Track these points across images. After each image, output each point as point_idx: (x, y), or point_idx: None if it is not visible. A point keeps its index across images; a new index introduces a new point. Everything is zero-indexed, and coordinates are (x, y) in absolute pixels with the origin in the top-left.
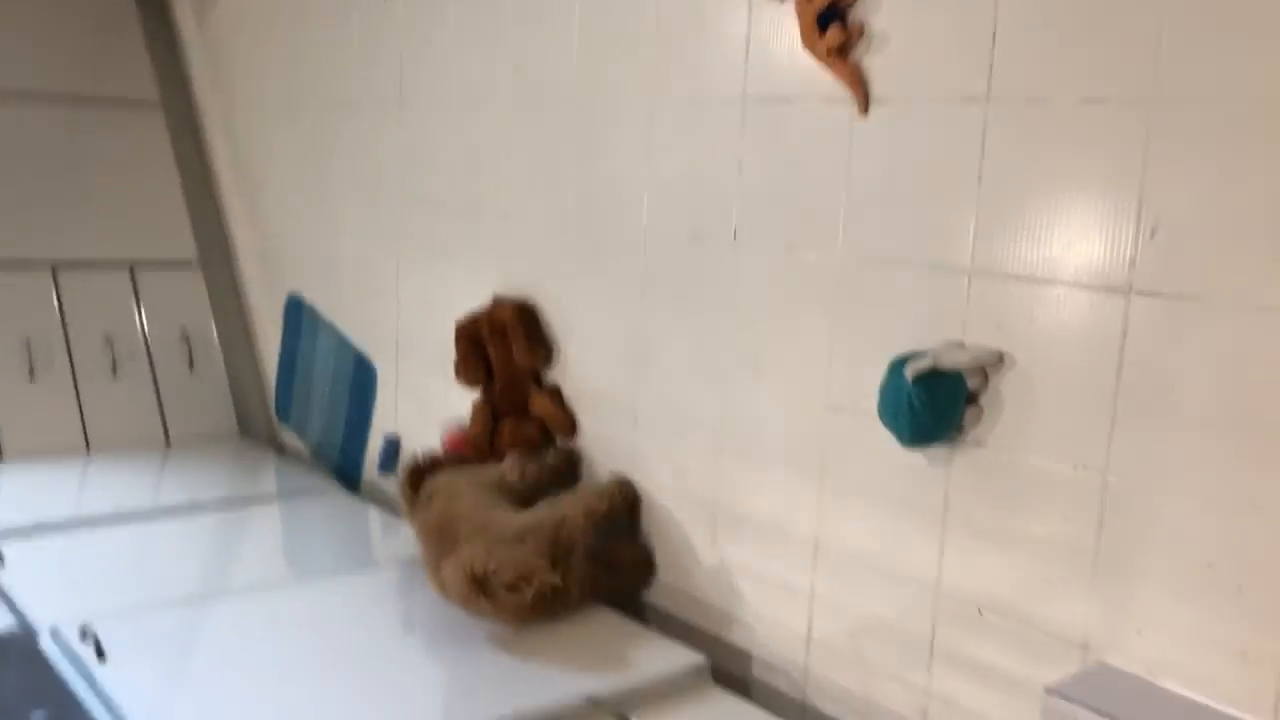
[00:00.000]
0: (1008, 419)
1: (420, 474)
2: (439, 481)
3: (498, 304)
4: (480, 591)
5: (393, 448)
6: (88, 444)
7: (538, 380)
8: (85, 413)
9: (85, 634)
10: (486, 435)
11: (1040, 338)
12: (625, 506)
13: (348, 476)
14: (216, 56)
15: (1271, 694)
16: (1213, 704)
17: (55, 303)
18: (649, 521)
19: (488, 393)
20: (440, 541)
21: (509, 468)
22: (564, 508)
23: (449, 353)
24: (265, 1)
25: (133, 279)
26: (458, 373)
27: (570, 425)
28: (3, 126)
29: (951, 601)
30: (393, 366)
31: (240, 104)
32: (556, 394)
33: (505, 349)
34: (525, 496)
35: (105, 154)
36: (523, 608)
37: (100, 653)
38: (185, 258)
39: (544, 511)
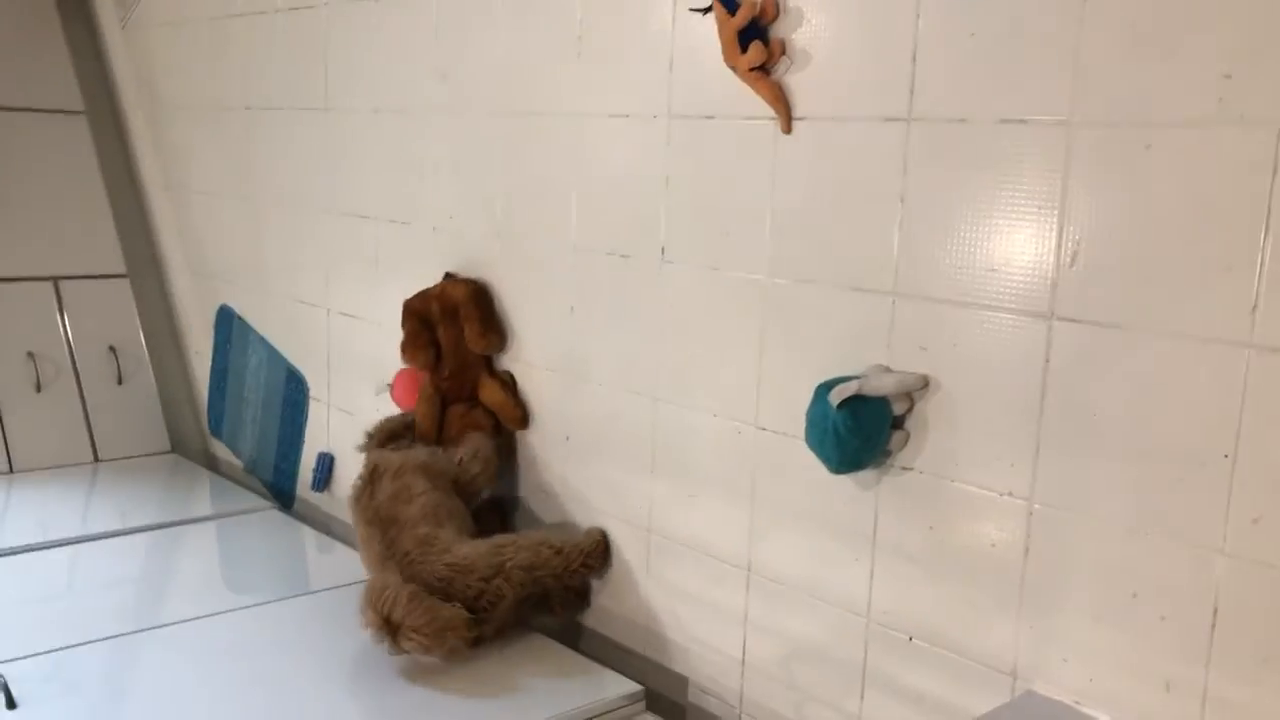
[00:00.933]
0: (934, 444)
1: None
2: (389, 461)
3: (450, 281)
4: (390, 635)
5: (326, 465)
6: (11, 465)
7: (490, 367)
8: (8, 432)
9: None
10: (434, 423)
11: (964, 362)
12: (589, 566)
13: (282, 493)
14: (140, 61)
15: None
16: None
17: None
18: None
19: (435, 377)
20: (382, 537)
21: (466, 458)
22: (508, 554)
23: (381, 366)
24: (187, 4)
25: (57, 293)
26: (403, 352)
27: (521, 418)
28: None
29: (882, 627)
30: (324, 381)
31: (165, 110)
32: (509, 382)
33: (456, 330)
34: (482, 500)
35: (28, 165)
36: (429, 655)
37: (10, 701)
38: (112, 270)
39: (486, 552)
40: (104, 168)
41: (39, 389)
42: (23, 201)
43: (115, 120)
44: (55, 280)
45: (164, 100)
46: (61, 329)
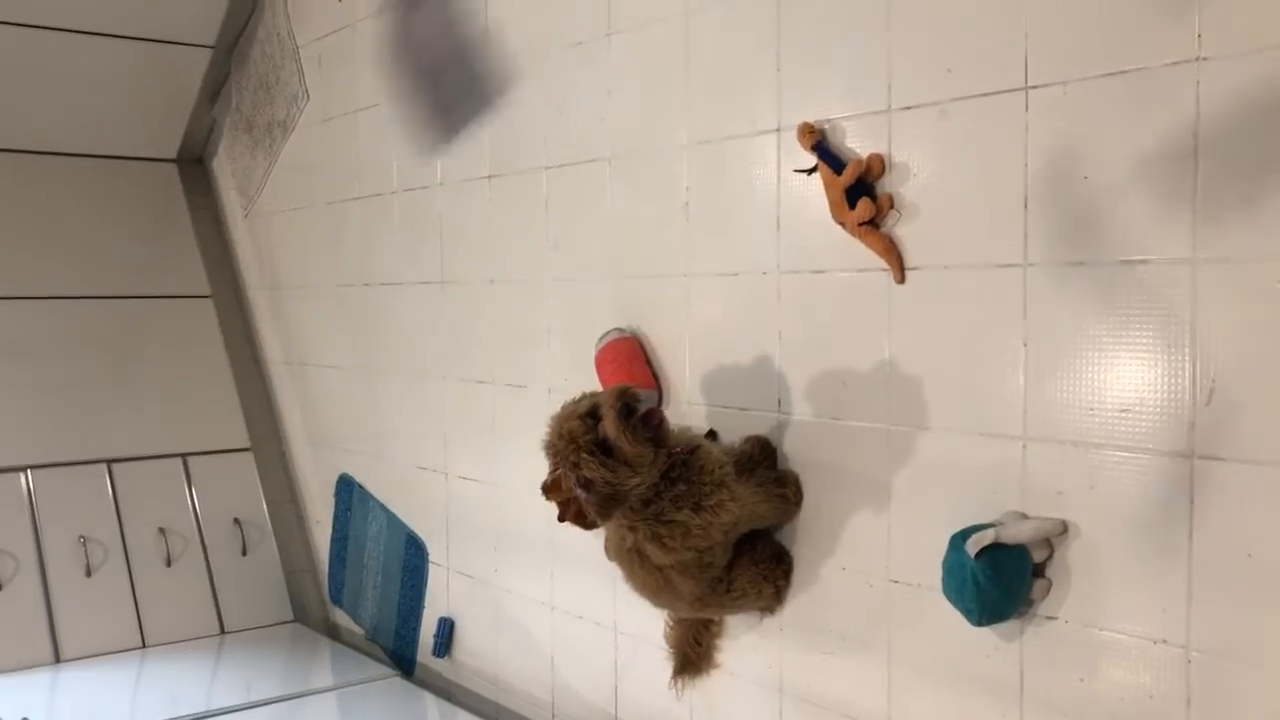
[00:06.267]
0: (1078, 591)
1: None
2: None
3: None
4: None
5: (447, 630)
6: (143, 638)
7: None
8: (140, 607)
9: None
10: None
11: (1104, 505)
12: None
13: (403, 660)
14: (262, 246)
15: None
16: None
17: (111, 498)
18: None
19: None
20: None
21: None
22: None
23: (499, 531)
24: (307, 191)
25: (186, 469)
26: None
27: None
28: (63, 331)
29: None
30: (443, 545)
31: (286, 290)
32: None
33: None
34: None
35: (159, 348)
36: None
37: None
38: (237, 444)
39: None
40: (229, 347)
41: (169, 564)
42: (154, 383)
43: (239, 302)
44: (184, 457)
45: (285, 281)
46: (190, 504)
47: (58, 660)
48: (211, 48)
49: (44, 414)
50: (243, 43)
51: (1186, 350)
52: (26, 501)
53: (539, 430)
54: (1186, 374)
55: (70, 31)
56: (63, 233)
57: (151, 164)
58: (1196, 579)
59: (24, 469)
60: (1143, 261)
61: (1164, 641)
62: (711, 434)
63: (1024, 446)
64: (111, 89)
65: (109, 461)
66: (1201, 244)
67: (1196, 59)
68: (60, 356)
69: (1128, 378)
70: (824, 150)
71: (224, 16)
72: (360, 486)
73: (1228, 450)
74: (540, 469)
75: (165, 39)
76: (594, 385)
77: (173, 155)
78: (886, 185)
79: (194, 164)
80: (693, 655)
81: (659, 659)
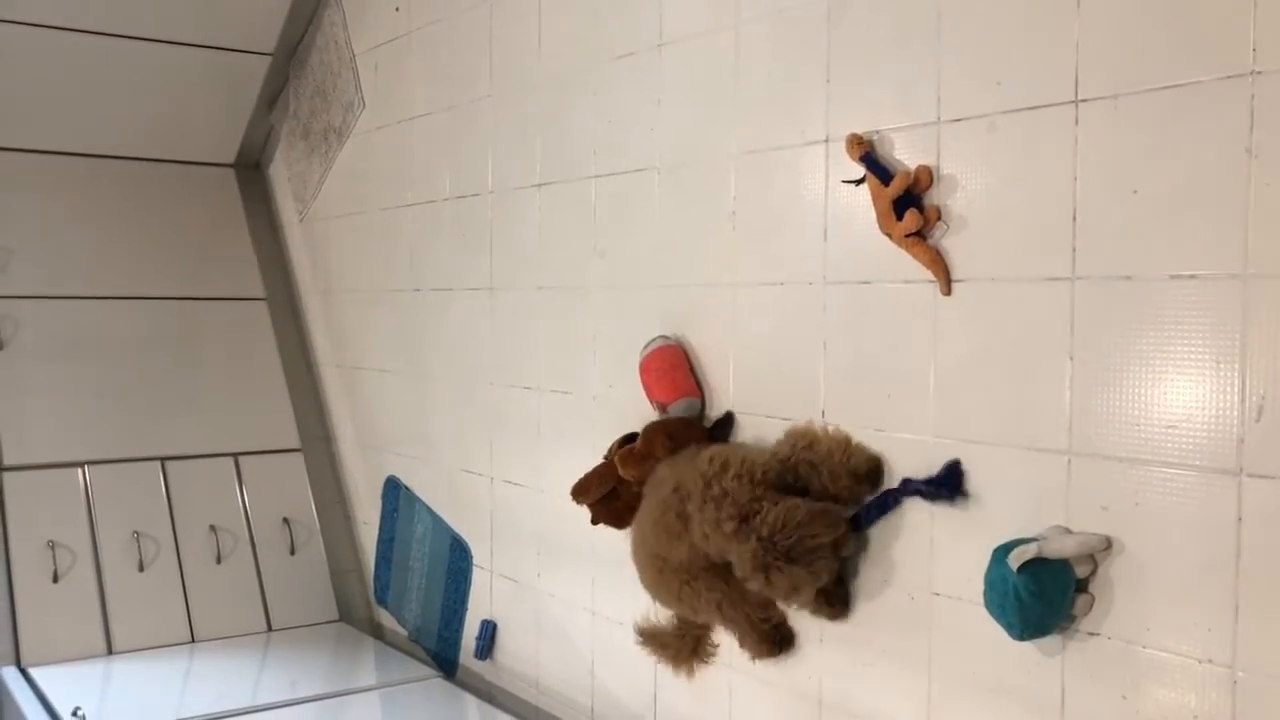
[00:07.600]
0: (1121, 607)
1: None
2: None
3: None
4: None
5: (489, 632)
6: (193, 633)
7: None
8: (191, 602)
9: None
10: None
11: (1149, 521)
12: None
13: (445, 661)
14: (316, 250)
15: None
16: None
17: (164, 495)
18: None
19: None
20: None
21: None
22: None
23: (542, 535)
24: (361, 197)
25: (237, 468)
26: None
27: None
28: (121, 331)
29: None
30: (487, 549)
31: (338, 294)
32: None
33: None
34: None
35: (214, 349)
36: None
37: None
38: (287, 445)
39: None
40: (281, 349)
41: (219, 560)
42: (208, 384)
43: (292, 305)
44: (236, 456)
45: (338, 285)
46: (240, 502)
47: (110, 652)
48: (271, 55)
49: (102, 411)
50: (301, 50)
51: (1236, 366)
52: (84, 496)
53: (583, 436)
54: (1235, 390)
55: (133, 39)
56: (122, 234)
57: (210, 169)
58: (1244, 598)
59: (81, 464)
60: (1192, 276)
61: (1209, 661)
62: (728, 417)
63: (1069, 461)
64: (173, 95)
65: (163, 459)
66: (1253, 259)
67: (1251, 73)
68: (118, 355)
69: (1175, 393)
70: (872, 161)
71: (283, 25)
72: (407, 489)
73: (1278, 468)
74: (581, 472)
75: (226, 46)
76: (638, 392)
77: (231, 160)
78: (934, 197)
79: (251, 169)
80: (679, 647)
81: (701, 667)
